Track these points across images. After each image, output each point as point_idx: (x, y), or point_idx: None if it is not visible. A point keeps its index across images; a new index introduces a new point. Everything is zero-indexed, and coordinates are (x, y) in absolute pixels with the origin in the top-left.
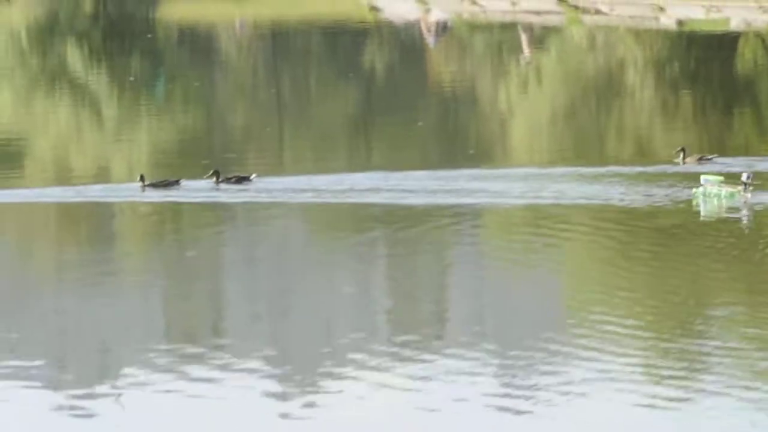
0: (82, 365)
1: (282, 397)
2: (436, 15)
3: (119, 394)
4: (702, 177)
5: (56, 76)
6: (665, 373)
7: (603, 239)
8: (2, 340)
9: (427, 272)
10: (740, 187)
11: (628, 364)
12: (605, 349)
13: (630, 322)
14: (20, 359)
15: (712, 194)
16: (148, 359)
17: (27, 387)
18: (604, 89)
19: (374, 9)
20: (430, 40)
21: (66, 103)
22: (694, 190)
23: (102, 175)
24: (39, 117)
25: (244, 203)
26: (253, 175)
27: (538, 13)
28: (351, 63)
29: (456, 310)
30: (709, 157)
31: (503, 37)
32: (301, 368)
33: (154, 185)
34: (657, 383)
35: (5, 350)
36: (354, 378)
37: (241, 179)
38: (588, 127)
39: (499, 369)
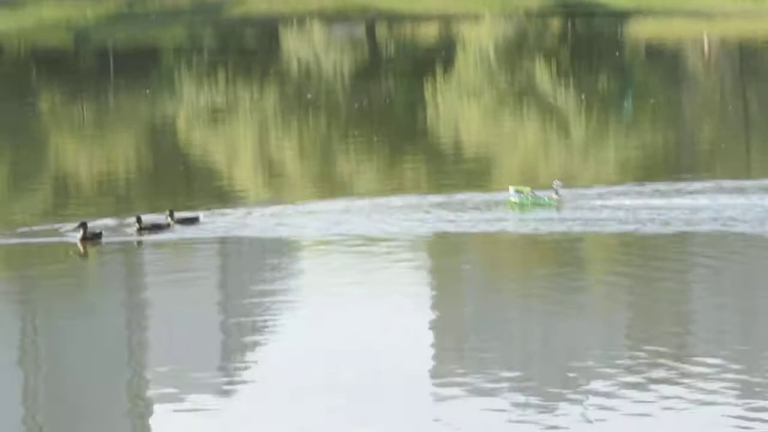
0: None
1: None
2: None
3: (586, 409)
4: (510, 188)
5: (523, 94)
6: None
7: None
8: (478, 358)
9: None
10: (553, 195)
11: None
12: None
13: None
14: (495, 376)
15: (524, 202)
16: (611, 376)
17: (502, 397)
18: None
19: None
20: None
21: (533, 119)
22: (508, 199)
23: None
24: (506, 133)
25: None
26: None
27: None
28: None
29: None
30: None
31: None
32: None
33: (148, 228)
34: None
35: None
36: None
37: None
38: None
39: None
